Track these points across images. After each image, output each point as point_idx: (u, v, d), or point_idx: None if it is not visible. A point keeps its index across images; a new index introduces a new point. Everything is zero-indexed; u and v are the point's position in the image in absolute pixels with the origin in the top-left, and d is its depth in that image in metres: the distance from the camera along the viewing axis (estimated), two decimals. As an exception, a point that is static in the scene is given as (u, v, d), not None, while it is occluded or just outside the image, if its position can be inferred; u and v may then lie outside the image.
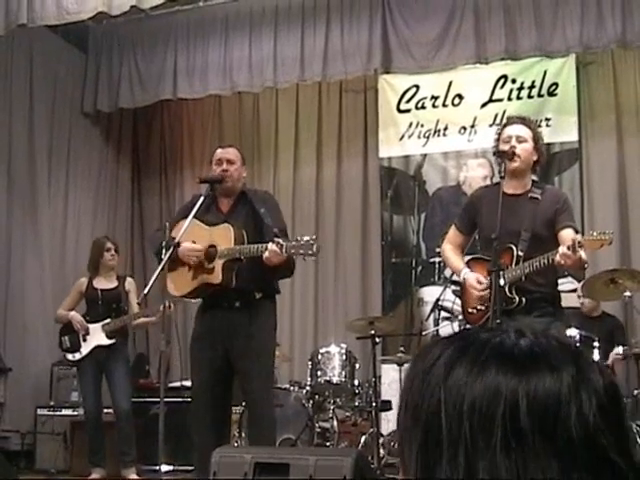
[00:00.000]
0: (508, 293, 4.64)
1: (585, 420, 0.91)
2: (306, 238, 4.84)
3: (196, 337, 5.52)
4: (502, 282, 4.60)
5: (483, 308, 4.75)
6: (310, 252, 4.80)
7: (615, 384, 0.97)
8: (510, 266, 4.66)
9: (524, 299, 4.65)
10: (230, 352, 5.30)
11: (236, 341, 5.26)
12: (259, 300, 5.32)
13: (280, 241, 4.85)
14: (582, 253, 4.32)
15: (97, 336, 7.29)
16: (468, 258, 5.12)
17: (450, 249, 5.12)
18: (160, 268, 5.11)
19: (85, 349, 7.32)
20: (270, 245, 4.89)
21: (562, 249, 4.35)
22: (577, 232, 4.67)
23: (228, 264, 5.20)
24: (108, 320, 7.29)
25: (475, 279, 4.80)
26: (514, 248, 4.67)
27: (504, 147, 4.77)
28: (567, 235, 4.57)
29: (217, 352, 5.31)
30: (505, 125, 4.93)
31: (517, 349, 0.95)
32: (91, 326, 7.33)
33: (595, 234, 4.44)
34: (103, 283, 7.51)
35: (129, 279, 7.65)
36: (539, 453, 0.89)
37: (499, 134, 4.90)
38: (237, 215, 5.42)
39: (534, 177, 5.03)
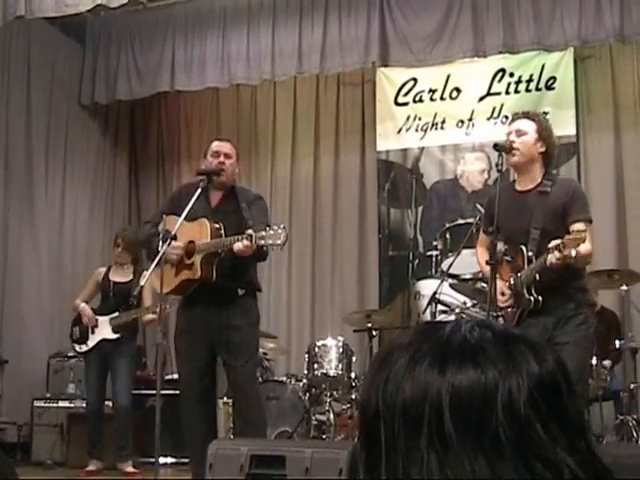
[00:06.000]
0: (527, 295, 4.53)
1: (514, 412, 0.88)
2: (275, 227, 4.85)
3: (180, 331, 5.54)
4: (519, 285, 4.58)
5: (510, 309, 4.68)
6: (278, 241, 4.80)
7: (558, 369, 0.93)
8: (523, 267, 4.56)
9: (541, 298, 4.51)
10: (215, 346, 5.34)
11: (220, 336, 5.29)
12: (241, 297, 5.36)
13: (250, 232, 4.89)
14: (572, 251, 4.21)
15: (104, 330, 7.27)
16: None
17: (481, 252, 4.98)
18: (157, 260, 5.12)
19: (91, 342, 7.32)
20: (242, 238, 4.92)
21: (550, 256, 4.30)
22: (590, 222, 4.57)
23: (207, 258, 5.21)
24: (116, 314, 7.25)
25: (500, 291, 4.70)
26: (524, 249, 4.56)
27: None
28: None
29: (202, 346, 5.35)
30: (511, 122, 4.88)
31: (452, 345, 0.93)
32: (100, 319, 7.31)
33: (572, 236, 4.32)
34: (118, 275, 7.46)
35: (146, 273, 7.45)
36: (465, 452, 0.87)
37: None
38: (224, 210, 5.45)
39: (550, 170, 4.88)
